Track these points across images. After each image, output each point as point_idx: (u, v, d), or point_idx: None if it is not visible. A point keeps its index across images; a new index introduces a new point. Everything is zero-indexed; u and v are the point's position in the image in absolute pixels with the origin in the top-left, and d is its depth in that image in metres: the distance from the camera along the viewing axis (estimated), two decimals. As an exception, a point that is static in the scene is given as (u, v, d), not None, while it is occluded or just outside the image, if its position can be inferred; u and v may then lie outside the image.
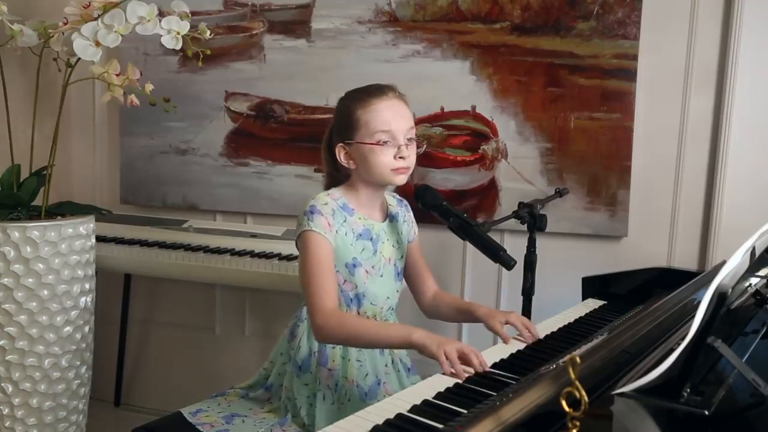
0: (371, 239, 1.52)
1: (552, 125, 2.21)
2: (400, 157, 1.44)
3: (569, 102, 2.18)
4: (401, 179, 1.48)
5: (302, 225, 1.44)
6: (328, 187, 1.57)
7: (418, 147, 1.50)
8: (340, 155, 1.49)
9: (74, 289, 2.01)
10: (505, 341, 1.46)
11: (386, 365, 1.55)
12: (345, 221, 1.48)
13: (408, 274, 1.66)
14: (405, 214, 1.65)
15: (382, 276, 1.54)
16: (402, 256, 1.62)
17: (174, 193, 2.67)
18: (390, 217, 1.60)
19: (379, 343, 1.40)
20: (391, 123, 1.44)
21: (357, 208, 1.52)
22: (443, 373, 1.24)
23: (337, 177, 1.55)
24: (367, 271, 1.51)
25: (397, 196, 1.68)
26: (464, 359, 1.25)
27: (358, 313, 1.51)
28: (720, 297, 0.88)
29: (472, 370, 1.25)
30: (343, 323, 1.37)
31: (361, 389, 1.49)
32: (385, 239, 1.56)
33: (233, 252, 2.28)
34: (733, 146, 2.05)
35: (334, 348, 1.50)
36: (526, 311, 1.84)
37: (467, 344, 1.28)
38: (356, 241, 1.50)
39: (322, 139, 1.57)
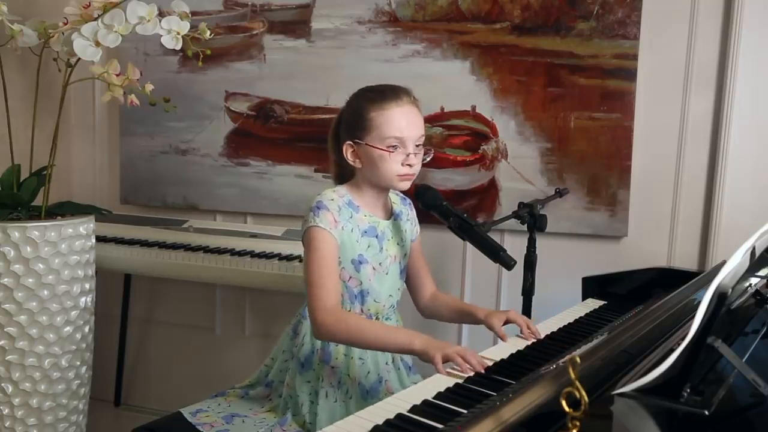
0: (376, 236, 1.53)
1: (552, 125, 2.21)
2: (407, 165, 1.46)
3: (569, 102, 2.18)
4: (405, 185, 1.50)
5: (308, 221, 1.45)
6: (336, 177, 1.58)
7: (424, 154, 1.51)
8: (347, 153, 1.49)
9: (74, 289, 2.01)
10: (503, 339, 1.47)
11: (387, 363, 1.55)
12: (351, 218, 1.49)
13: (407, 273, 1.66)
14: (408, 212, 1.66)
15: (387, 274, 1.55)
16: (405, 255, 1.62)
17: (174, 193, 2.67)
18: (394, 216, 1.61)
19: (380, 345, 1.40)
20: (404, 130, 1.44)
21: (362, 205, 1.53)
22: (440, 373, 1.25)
23: (342, 169, 1.56)
24: (374, 268, 1.51)
25: (401, 194, 1.68)
26: (465, 361, 1.26)
27: (362, 310, 1.52)
28: (720, 297, 0.88)
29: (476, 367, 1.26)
30: (343, 321, 1.38)
31: (363, 387, 1.50)
32: (390, 236, 1.57)
33: (233, 252, 2.27)
34: (733, 146, 2.05)
35: (337, 345, 1.50)
36: (526, 311, 1.84)
37: (466, 347, 1.29)
38: (362, 237, 1.50)
39: (330, 129, 1.57)
